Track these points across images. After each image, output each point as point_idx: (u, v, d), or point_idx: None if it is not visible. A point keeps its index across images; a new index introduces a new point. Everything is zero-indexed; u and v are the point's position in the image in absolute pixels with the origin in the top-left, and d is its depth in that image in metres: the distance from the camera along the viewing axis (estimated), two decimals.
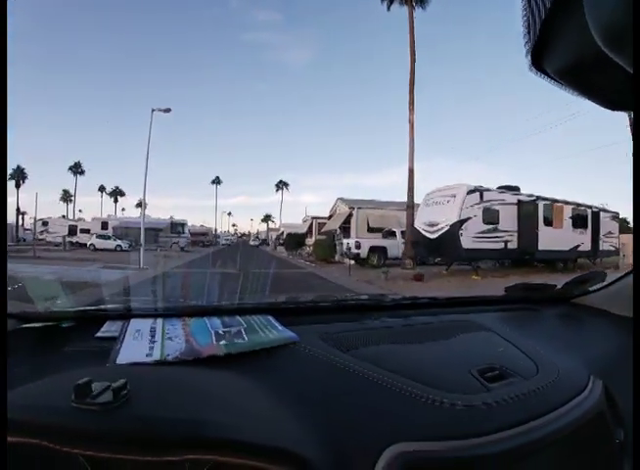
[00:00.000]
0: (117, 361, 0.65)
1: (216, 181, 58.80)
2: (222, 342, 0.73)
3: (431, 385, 0.61)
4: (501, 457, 0.52)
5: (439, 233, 11.19)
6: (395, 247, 16.05)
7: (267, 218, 64.69)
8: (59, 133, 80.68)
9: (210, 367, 0.63)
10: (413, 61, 14.72)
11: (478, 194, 11.16)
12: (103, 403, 0.47)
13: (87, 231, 27.77)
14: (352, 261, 16.17)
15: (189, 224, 40.29)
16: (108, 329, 0.79)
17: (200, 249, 29.84)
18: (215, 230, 55.21)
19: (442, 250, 11.45)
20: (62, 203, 43.48)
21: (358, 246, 15.18)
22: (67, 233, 28.13)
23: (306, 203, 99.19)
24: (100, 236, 24.86)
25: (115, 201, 47.43)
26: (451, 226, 10.79)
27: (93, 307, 0.88)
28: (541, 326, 1.00)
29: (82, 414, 0.47)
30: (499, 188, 12.13)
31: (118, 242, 24.33)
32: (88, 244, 24.52)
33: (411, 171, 15.59)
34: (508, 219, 11.41)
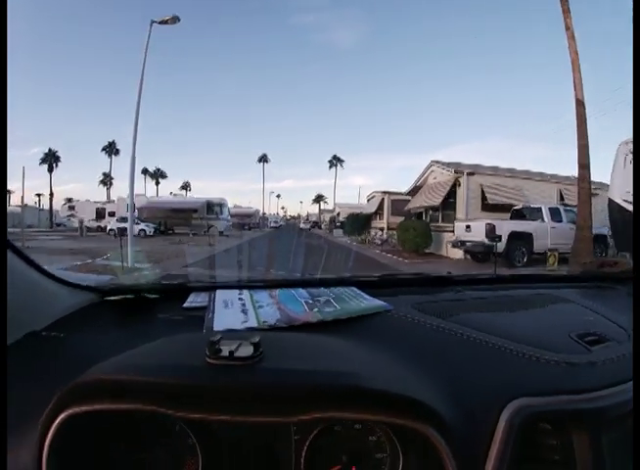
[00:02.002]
0: (215, 328, 0.66)
1: (263, 159, 53.83)
2: (315, 310, 0.75)
3: (536, 347, 0.62)
4: (610, 411, 0.54)
5: None
6: (544, 233, 9.52)
7: (319, 199, 58.02)
8: (102, 114, 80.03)
9: (309, 333, 0.64)
10: None
11: None
12: (244, 358, 0.48)
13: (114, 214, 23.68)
14: (468, 255, 9.83)
15: (231, 205, 35.69)
16: (194, 300, 0.83)
17: (243, 233, 24.79)
18: (263, 212, 50.62)
19: None
20: (102, 187, 40.62)
21: (492, 230, 8.69)
22: (94, 217, 24.40)
23: (356, 185, 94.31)
24: (122, 219, 20.47)
25: (157, 183, 44.02)
26: None
27: (176, 281, 0.97)
28: (620, 302, 0.92)
29: (223, 370, 0.47)
30: None
31: (142, 226, 19.77)
32: (108, 229, 20.26)
33: (580, 103, 8.88)
34: None
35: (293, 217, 73.07)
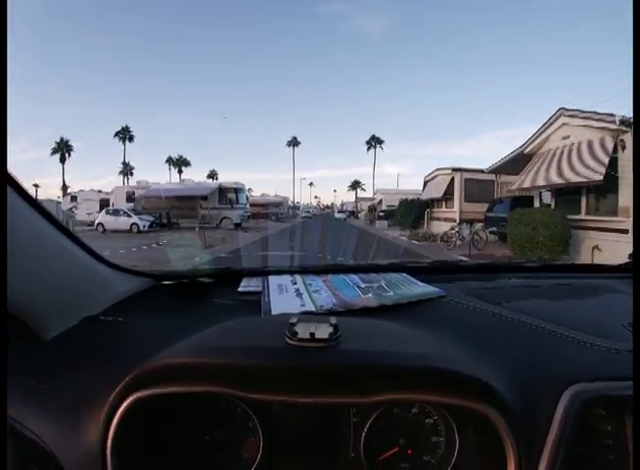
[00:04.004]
0: (272, 312, 0.68)
1: (293, 143, 48.89)
2: (369, 295, 0.74)
3: (590, 334, 0.62)
4: None
5: None
6: None
7: (356, 185, 51.84)
8: (121, 102, 78.35)
9: (369, 317, 0.65)
10: None
11: None
12: (324, 340, 0.49)
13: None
14: None
15: (258, 194, 30.89)
16: (247, 284, 0.84)
17: (268, 224, 20.01)
18: (293, 201, 45.85)
19: None
20: (122, 177, 37.25)
21: None
22: (97, 209, 20.59)
23: (388, 173, 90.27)
24: (113, 212, 16.25)
25: (180, 171, 40.16)
26: None
27: (228, 267, 0.96)
28: None
29: (303, 351, 0.48)
30: None
31: (134, 219, 15.52)
32: (95, 223, 16.11)
33: None
34: None
35: (326, 207, 70.53)
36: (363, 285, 0.81)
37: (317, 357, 0.48)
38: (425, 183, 17.35)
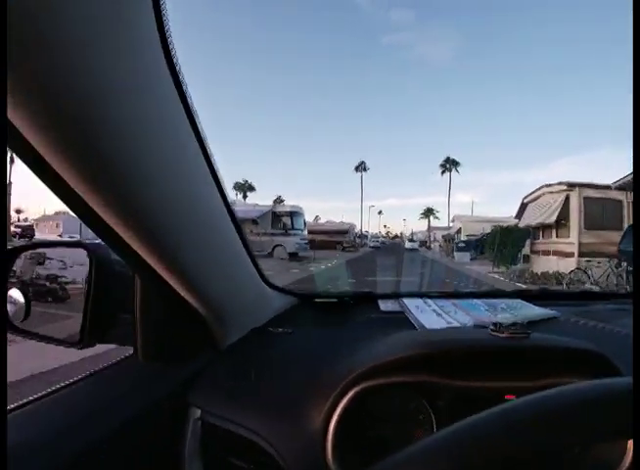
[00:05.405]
0: (427, 327, 0.78)
1: (361, 167, 46.88)
2: (499, 315, 0.84)
3: None
4: None
5: None
6: None
7: (429, 213, 46.95)
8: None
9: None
10: None
11: None
12: (520, 332, 0.57)
13: None
14: None
15: (323, 221, 28.96)
16: (385, 305, 0.98)
17: (329, 254, 17.66)
18: (361, 229, 43.19)
19: None
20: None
21: None
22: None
23: (459, 203, 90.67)
24: None
25: (244, 196, 39.98)
26: None
27: (362, 290, 1.09)
28: None
29: (507, 340, 0.56)
30: None
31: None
32: None
33: None
34: None
35: (395, 236, 67.48)
36: (488, 307, 0.91)
37: (518, 342, 0.56)
38: (523, 206, 13.68)
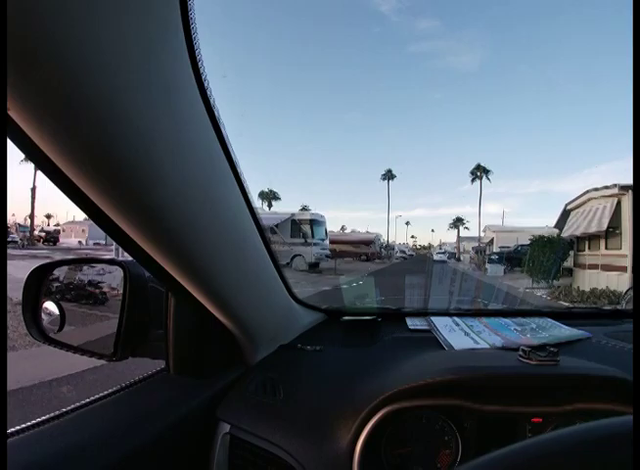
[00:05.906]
0: (455, 348, 0.77)
1: (388, 176, 45.79)
2: (528, 335, 0.83)
3: None
4: None
5: None
6: None
7: (458, 222, 45.28)
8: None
9: None
10: None
11: None
12: (548, 360, 0.58)
13: None
14: None
15: (348, 230, 28.19)
16: (413, 323, 0.96)
17: (355, 267, 16.82)
18: (387, 238, 41.99)
19: None
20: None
21: None
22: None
23: (489, 213, 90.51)
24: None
25: (269, 205, 39.76)
26: None
27: (390, 307, 1.09)
28: None
29: (536, 367, 0.57)
30: None
31: None
32: None
33: None
34: None
35: (423, 247, 66.33)
36: (518, 327, 0.89)
37: (548, 370, 0.56)
38: (565, 213, 12.34)
